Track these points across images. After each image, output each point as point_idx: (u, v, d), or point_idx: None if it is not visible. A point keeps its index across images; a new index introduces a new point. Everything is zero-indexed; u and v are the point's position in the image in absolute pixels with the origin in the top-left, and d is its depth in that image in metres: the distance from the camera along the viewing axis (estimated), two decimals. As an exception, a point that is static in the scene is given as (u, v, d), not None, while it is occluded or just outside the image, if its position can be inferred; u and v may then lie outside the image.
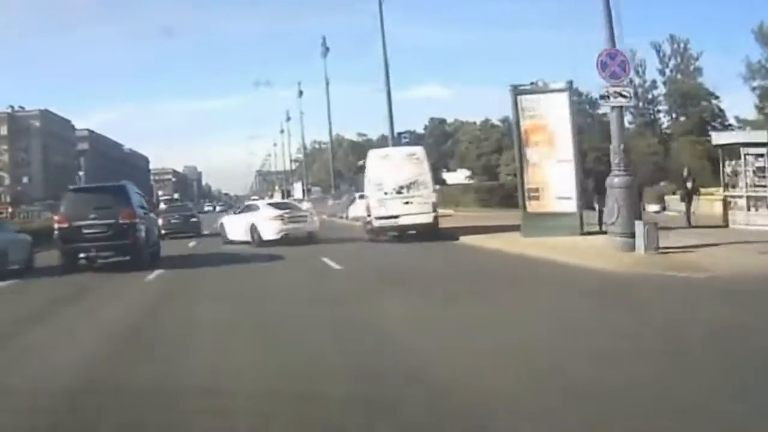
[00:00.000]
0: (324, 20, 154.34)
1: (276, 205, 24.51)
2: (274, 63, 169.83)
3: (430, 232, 20.83)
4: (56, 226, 16.15)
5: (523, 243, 16.64)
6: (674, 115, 68.02)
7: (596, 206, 18.60)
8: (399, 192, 20.87)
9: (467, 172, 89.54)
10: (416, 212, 20.75)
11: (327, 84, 51.52)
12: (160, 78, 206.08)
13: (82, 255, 16.15)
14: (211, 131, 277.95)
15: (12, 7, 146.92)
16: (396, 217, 20.75)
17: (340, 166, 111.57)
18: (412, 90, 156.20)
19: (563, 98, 18.06)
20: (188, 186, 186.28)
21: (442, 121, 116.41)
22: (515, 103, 18.03)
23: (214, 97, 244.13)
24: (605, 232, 18.05)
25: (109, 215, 15.74)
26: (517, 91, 18.17)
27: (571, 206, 17.66)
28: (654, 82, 68.68)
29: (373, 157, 21.84)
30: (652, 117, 68.55)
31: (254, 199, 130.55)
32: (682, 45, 66.39)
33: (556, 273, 12.33)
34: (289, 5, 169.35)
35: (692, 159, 43.09)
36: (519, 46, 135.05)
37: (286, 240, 21.14)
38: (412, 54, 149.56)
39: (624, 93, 13.77)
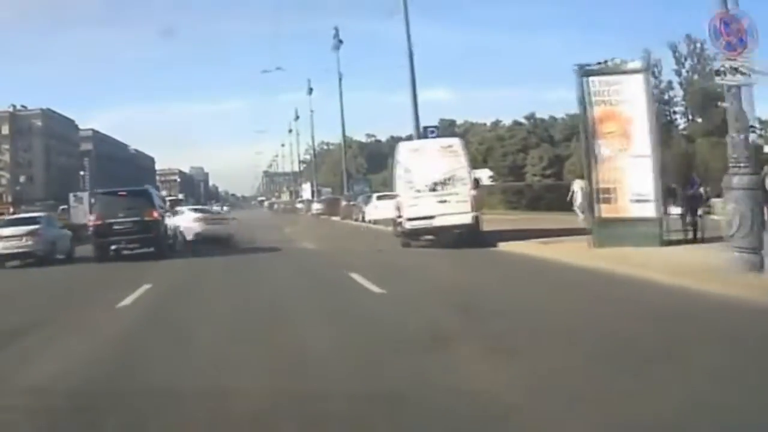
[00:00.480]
0: (332, 21, 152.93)
1: (197, 210, 27.59)
2: (283, 63, 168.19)
3: (469, 236, 17.90)
4: (91, 223, 19.50)
5: (598, 255, 13.49)
6: (691, 117, 67.31)
7: (672, 209, 15.71)
8: (434, 189, 17.92)
9: (488, 172, 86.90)
10: (453, 212, 17.78)
11: (340, 78, 48.78)
12: (168, 80, 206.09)
13: (113, 247, 19.06)
14: (219, 133, 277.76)
15: (18, 7, 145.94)
16: (430, 217, 17.79)
17: (349, 168, 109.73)
18: (418, 93, 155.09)
19: (639, 80, 15.03)
20: (195, 187, 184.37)
21: (452, 123, 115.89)
22: (582, 86, 14.96)
23: (222, 98, 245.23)
24: (691, 241, 15.24)
25: (136, 214, 18.69)
26: (584, 71, 15.08)
27: (649, 210, 14.59)
28: (670, 82, 67.88)
29: (404, 150, 18.81)
30: (669, 118, 67.16)
31: (261, 200, 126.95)
32: (698, 45, 64.69)
33: (688, 304, 8.94)
34: (298, 6, 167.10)
35: (713, 161, 41.73)
36: (523, 49, 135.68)
37: (205, 240, 22.64)
38: (418, 57, 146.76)
39: (742, 69, 10.66)
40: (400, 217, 18.15)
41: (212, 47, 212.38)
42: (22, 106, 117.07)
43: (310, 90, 65.94)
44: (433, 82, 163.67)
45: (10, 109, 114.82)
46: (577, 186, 24.32)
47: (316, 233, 29.41)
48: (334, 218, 48.34)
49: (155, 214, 19.14)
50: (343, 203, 45.88)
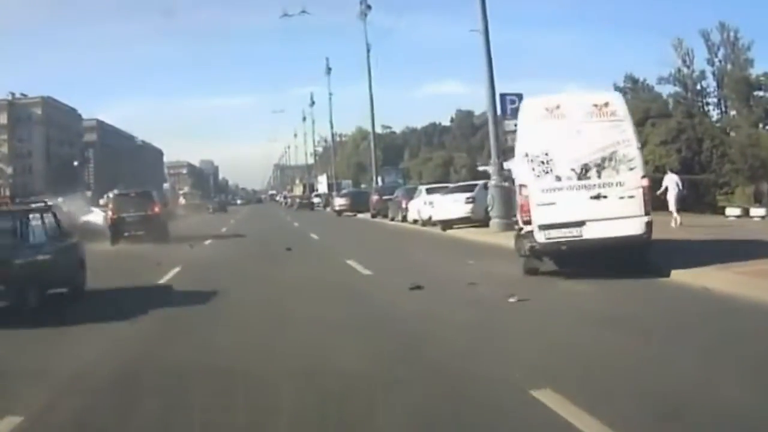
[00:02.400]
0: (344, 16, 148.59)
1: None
2: (293, 59, 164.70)
3: (638, 255, 10.81)
4: (109, 216, 26.32)
5: None
6: (725, 108, 64.39)
7: None
8: (584, 176, 10.70)
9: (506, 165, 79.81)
10: (616, 215, 10.58)
11: (368, 50, 41.68)
12: (179, 73, 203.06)
13: (126, 233, 25.46)
14: (230, 126, 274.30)
15: (30, 1, 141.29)
16: (579, 224, 10.58)
17: (363, 160, 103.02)
18: (430, 86, 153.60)
19: None
20: (204, 180, 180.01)
21: (470, 113, 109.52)
22: None
23: (233, 92, 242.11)
24: None
25: (142, 209, 25.45)
26: None
27: None
28: (702, 72, 64.72)
29: (531, 111, 11.26)
30: (702, 109, 62.42)
31: (272, 194, 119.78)
32: (732, 34, 61.93)
33: None
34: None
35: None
36: (531, 46, 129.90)
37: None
38: (430, 51, 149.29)
39: None
40: (525, 222, 10.83)
41: (224, 40, 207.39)
42: (22, 94, 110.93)
43: (329, 69, 58.77)
44: (445, 75, 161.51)
45: (9, 98, 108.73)
46: (671, 181, 19.40)
47: (358, 242, 21.70)
48: (362, 216, 41.08)
49: (157, 210, 25.99)
50: (374, 197, 38.24)
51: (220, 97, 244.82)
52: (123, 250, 22.66)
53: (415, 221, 27.93)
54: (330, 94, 60.71)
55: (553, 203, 10.67)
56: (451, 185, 30.70)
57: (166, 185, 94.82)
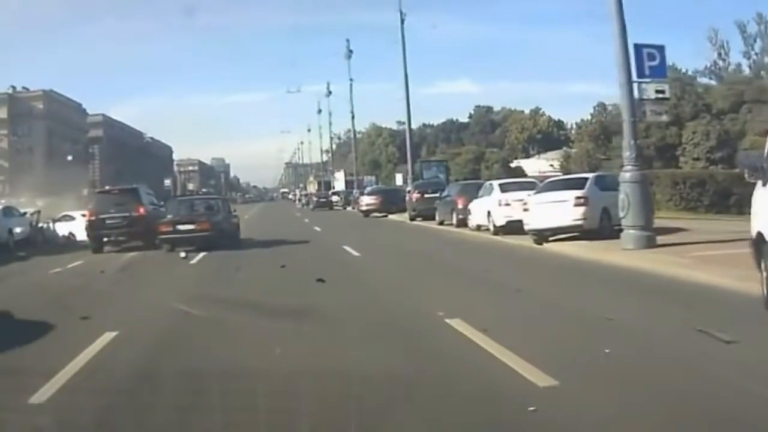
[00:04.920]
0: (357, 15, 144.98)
1: None
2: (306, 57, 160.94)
3: None
4: (86, 218, 22.63)
5: None
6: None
7: None
8: None
9: (543, 162, 74.06)
10: None
11: (402, 20, 35.12)
12: (190, 72, 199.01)
13: (105, 239, 22.11)
14: (241, 124, 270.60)
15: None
16: None
17: (377, 158, 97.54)
18: (441, 85, 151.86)
19: None
20: (215, 178, 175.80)
21: (489, 109, 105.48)
22: None
23: (245, 90, 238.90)
24: None
25: (125, 210, 21.34)
26: None
27: None
28: (739, 65, 60.64)
29: None
30: None
31: (284, 192, 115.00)
32: None
33: None
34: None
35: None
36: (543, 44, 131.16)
37: None
38: (441, 50, 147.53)
39: None
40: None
41: (235, 37, 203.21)
42: (24, 87, 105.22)
43: (349, 53, 52.18)
44: (455, 73, 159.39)
45: (9, 91, 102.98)
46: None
47: (429, 266, 14.57)
48: (394, 218, 34.46)
49: (143, 210, 21.52)
50: (414, 195, 31.22)
51: (232, 94, 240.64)
52: (63, 276, 16.05)
53: (480, 227, 21.35)
54: (351, 80, 53.98)
55: None
56: (517, 180, 24.24)
57: (167, 182, 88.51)
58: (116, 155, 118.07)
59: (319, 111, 74.56)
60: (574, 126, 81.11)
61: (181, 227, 19.55)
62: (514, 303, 9.18)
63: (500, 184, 21.09)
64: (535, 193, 17.27)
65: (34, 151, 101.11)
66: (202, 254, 18.08)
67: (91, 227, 21.80)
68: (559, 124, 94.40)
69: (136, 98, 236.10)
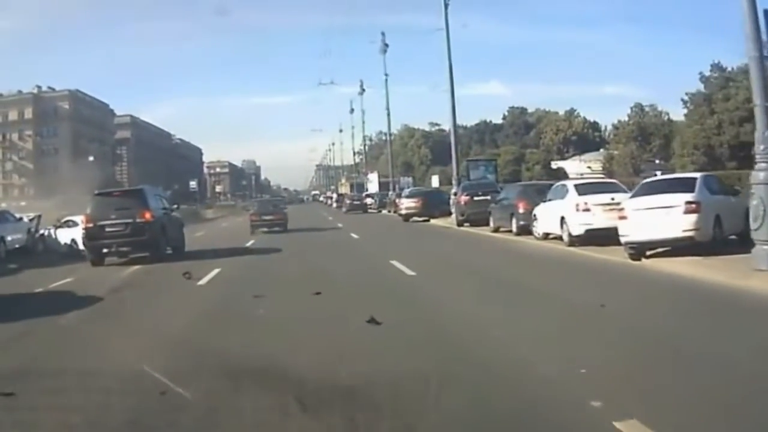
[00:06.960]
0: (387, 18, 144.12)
1: None
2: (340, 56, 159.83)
3: None
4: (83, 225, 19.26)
5: None
6: None
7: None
8: None
9: (581, 164, 70.52)
10: None
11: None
12: (221, 73, 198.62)
13: (105, 250, 18.69)
14: (273, 126, 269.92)
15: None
16: None
17: (410, 160, 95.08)
18: (472, 87, 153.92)
19: None
20: (246, 180, 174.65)
21: (524, 111, 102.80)
22: None
23: (277, 91, 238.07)
24: None
25: (128, 215, 18.03)
26: None
27: None
28: None
29: None
30: None
31: (315, 194, 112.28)
32: None
33: None
34: None
35: None
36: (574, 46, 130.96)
37: None
38: (473, 52, 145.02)
39: None
40: None
41: (267, 38, 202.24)
42: (50, 87, 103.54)
43: (385, 47, 48.46)
44: (486, 75, 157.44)
45: (35, 91, 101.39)
46: None
47: (513, 293, 10.65)
48: (437, 222, 30.87)
49: (149, 215, 18.25)
50: (463, 198, 27.41)
51: (263, 95, 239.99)
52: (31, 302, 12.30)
53: (548, 236, 17.73)
54: (386, 75, 50.18)
55: None
56: (597, 181, 20.67)
57: (193, 183, 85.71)
58: (144, 157, 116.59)
59: (352, 110, 71.51)
60: (610, 127, 77.18)
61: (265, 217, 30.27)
62: (687, 375, 5.48)
63: (576, 185, 17.38)
64: (632, 197, 13.58)
65: (59, 153, 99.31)
66: (216, 270, 14.63)
67: (87, 236, 18.31)
68: (594, 126, 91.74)
69: (166, 100, 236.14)
